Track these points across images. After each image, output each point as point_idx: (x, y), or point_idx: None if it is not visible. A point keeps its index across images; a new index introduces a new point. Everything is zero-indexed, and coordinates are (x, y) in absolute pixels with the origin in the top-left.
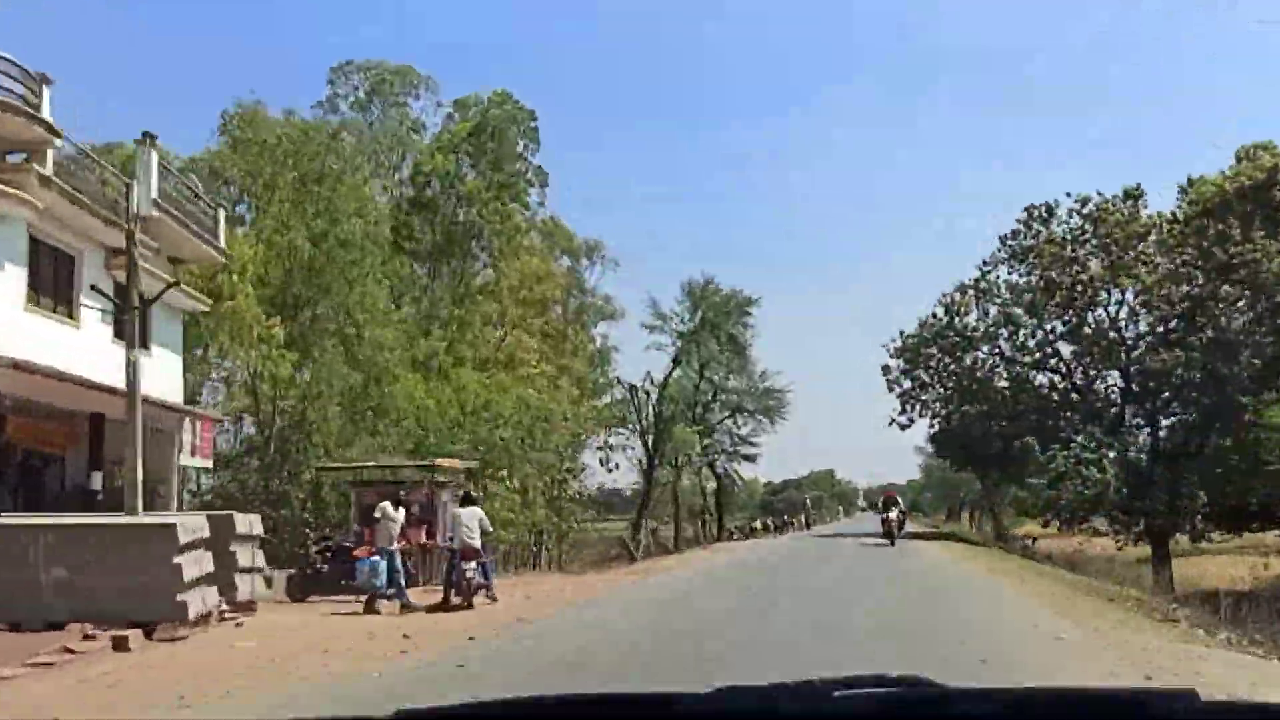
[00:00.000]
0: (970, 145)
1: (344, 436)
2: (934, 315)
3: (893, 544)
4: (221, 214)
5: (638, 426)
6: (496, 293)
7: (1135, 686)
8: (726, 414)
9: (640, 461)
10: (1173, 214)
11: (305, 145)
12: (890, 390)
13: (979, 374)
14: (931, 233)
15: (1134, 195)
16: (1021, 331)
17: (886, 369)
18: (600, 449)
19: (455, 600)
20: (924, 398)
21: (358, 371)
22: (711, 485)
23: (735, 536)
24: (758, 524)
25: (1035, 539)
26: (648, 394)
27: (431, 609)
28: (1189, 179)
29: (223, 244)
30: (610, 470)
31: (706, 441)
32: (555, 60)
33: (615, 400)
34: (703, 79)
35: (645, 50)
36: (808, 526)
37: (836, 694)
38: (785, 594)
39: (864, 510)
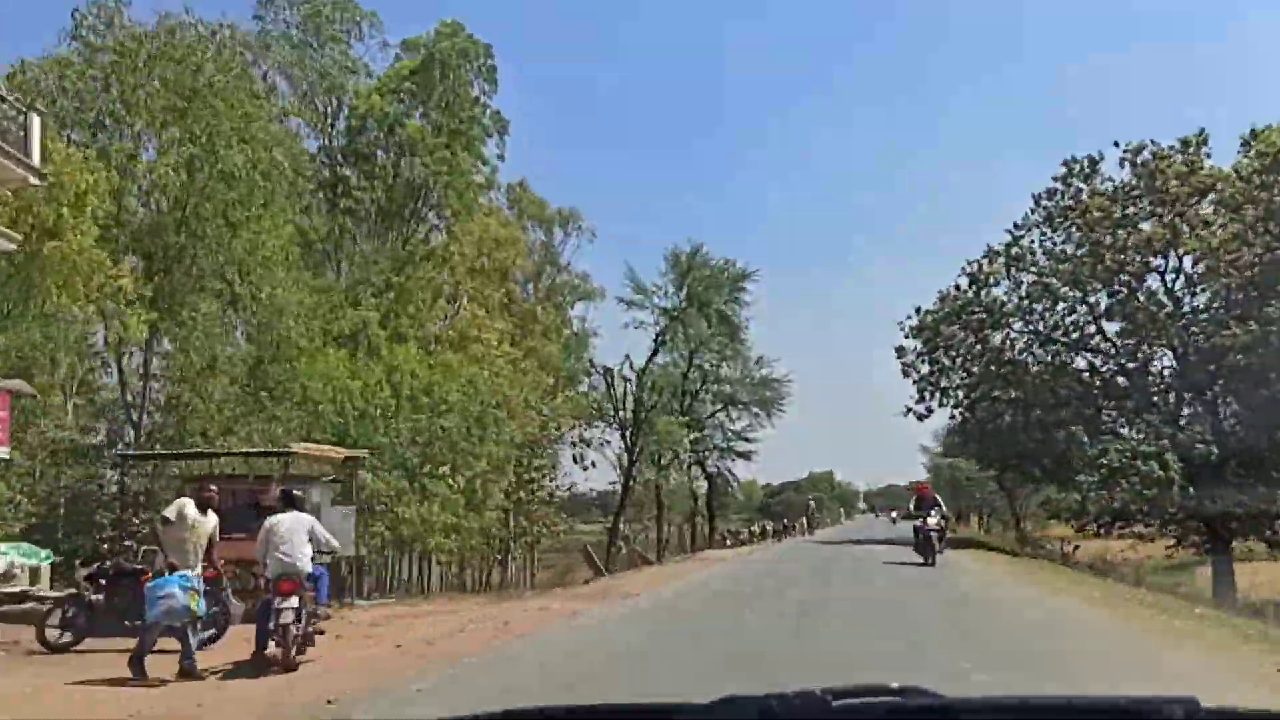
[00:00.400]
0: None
1: (230, 423)
2: (956, 287)
3: (929, 562)
4: (36, 121)
5: (615, 418)
6: (447, 258)
7: (1136, 695)
8: (719, 406)
9: (620, 458)
10: (1234, 168)
11: (172, 51)
12: (906, 375)
13: (1010, 355)
14: (937, 224)
15: (1195, 143)
16: (1060, 305)
17: (901, 350)
18: (575, 444)
19: (274, 653)
20: (943, 384)
21: (250, 342)
22: (703, 486)
23: (729, 542)
24: (755, 528)
25: (1077, 545)
26: (626, 380)
27: (237, 668)
28: (1252, 129)
29: (36, 161)
30: (585, 469)
31: (694, 435)
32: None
33: (590, 388)
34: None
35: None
36: (810, 531)
37: (837, 703)
38: (795, 672)
39: (864, 512)
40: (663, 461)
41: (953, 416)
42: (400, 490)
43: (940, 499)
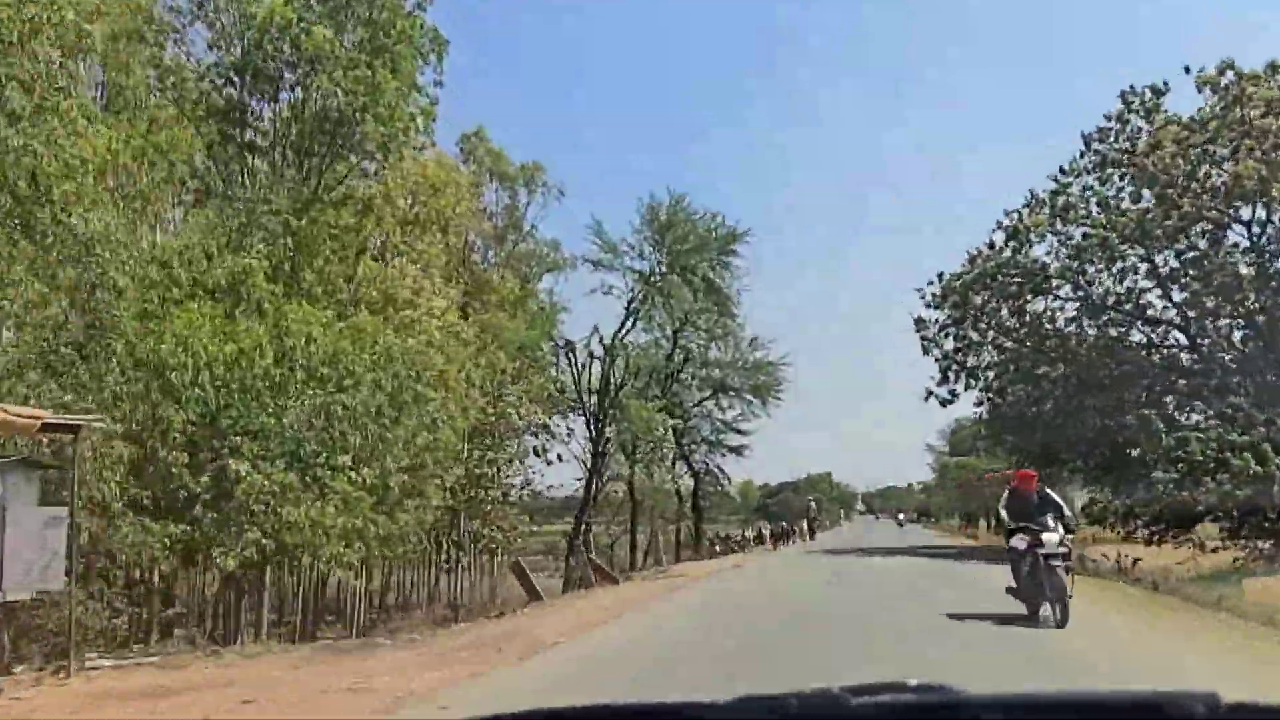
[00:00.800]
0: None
1: (8, 391)
2: (989, 245)
3: (1053, 618)
4: None
5: (579, 402)
6: (370, 203)
7: (1156, 689)
8: (707, 393)
9: (586, 451)
10: None
11: None
12: (926, 352)
13: (1053, 327)
14: (936, 214)
15: None
16: (1118, 265)
17: (921, 323)
18: (537, 434)
19: None
20: (969, 363)
21: (51, 285)
22: (689, 484)
23: (718, 548)
24: (750, 531)
25: (1137, 559)
26: (595, 357)
27: None
28: None
29: None
30: (549, 463)
31: (676, 423)
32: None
33: (553, 365)
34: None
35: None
36: (811, 535)
37: (855, 701)
38: None
39: (863, 514)
40: (637, 454)
41: (979, 402)
42: (287, 485)
43: (1059, 498)
